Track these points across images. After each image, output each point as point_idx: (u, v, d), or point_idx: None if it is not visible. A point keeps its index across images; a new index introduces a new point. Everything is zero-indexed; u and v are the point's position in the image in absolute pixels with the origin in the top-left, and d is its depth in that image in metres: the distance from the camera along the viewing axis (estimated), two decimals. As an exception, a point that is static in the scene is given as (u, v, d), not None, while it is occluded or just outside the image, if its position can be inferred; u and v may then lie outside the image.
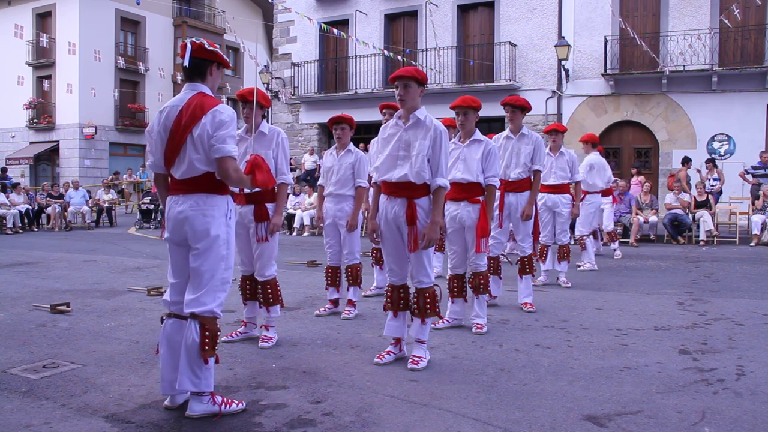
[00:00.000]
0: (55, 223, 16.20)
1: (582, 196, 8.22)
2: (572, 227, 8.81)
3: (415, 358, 3.96)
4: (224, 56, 3.28)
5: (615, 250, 9.88)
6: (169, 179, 3.28)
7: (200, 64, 3.19)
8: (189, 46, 3.15)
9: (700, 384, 3.61)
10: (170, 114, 3.14)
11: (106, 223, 17.61)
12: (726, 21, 14.50)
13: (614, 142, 16.85)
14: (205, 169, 3.10)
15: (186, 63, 3.15)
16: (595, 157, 8.63)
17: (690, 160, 13.91)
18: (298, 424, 3.04)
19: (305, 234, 14.41)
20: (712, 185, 12.83)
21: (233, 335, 4.68)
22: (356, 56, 19.33)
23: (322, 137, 20.76)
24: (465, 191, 4.77)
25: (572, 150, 8.10)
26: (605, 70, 16.15)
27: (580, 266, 8.41)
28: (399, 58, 17.13)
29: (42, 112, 25.89)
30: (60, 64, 25.01)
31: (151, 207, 17.02)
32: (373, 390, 3.53)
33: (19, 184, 18.00)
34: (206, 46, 3.18)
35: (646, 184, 13.10)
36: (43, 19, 25.81)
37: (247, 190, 4.39)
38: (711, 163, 13.47)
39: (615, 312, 5.66)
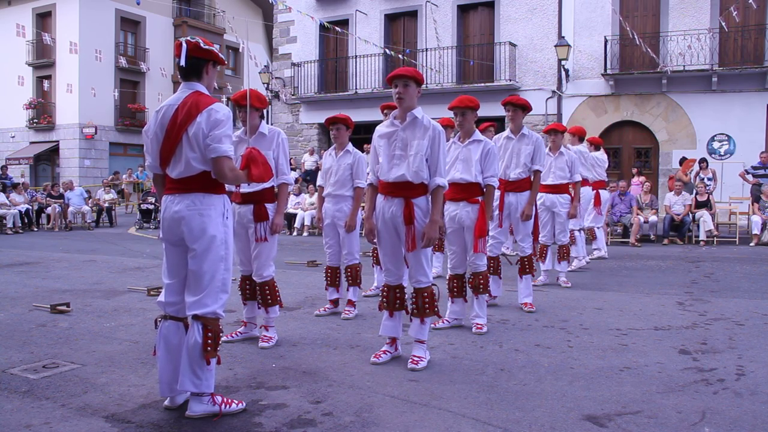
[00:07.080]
0: (55, 223, 16.20)
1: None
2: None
3: (415, 358, 3.96)
4: (220, 54, 3.26)
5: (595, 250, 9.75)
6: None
7: (196, 63, 3.17)
8: (184, 45, 3.12)
9: (700, 384, 3.61)
10: (166, 113, 3.13)
11: (106, 223, 17.61)
12: (724, 25, 14.49)
13: (614, 142, 16.84)
14: (201, 168, 3.09)
15: (182, 62, 3.13)
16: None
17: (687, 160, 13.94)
18: (298, 424, 3.04)
19: (305, 234, 14.42)
20: (707, 185, 12.82)
21: (233, 335, 4.68)
22: (356, 56, 19.33)
23: (322, 137, 20.75)
24: (464, 191, 4.77)
25: (572, 150, 8.09)
26: (605, 70, 16.15)
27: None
28: (400, 56, 17.12)
29: (42, 112, 25.89)
30: (60, 64, 25.02)
31: (151, 207, 17.02)
32: (373, 390, 3.53)
33: (20, 183, 17.98)
34: (202, 44, 3.15)
35: (646, 183, 13.13)
36: (43, 19, 25.80)
37: (245, 189, 4.39)
38: (704, 162, 13.46)
39: (615, 312, 5.66)
